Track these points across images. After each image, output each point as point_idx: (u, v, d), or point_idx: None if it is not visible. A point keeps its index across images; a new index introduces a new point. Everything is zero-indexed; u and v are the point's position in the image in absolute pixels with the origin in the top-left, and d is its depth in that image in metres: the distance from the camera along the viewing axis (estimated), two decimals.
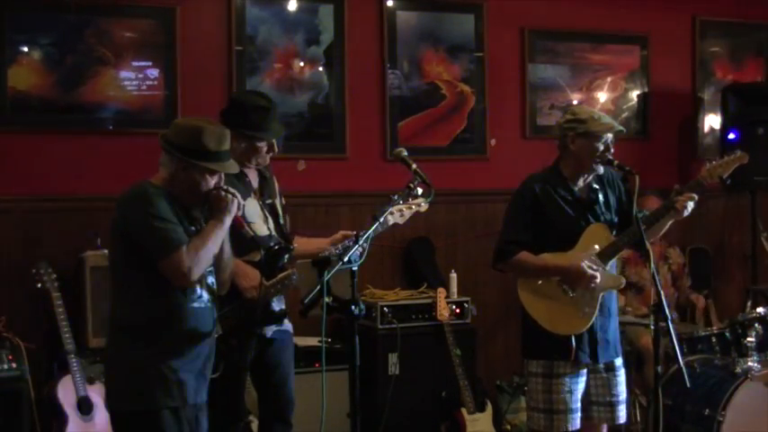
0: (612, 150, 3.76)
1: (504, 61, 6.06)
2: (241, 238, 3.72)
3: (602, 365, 3.80)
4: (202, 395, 3.19)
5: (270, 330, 3.85)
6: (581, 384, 3.76)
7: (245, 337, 3.74)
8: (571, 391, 3.73)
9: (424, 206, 3.73)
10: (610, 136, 3.75)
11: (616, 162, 3.71)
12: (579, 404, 3.76)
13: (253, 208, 3.87)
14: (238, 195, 3.20)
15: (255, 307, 3.69)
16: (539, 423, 3.78)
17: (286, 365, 3.98)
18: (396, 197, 3.51)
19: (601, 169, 3.78)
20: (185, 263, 3.01)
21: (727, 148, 6.14)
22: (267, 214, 3.94)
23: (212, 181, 3.14)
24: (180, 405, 3.08)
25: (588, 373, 3.78)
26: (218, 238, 3.14)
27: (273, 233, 3.91)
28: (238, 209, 3.20)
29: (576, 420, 3.75)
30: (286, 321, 3.92)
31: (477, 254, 5.63)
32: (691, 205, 3.73)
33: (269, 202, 3.97)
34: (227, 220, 3.16)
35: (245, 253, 3.73)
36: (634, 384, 5.16)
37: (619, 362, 3.86)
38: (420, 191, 3.56)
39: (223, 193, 3.15)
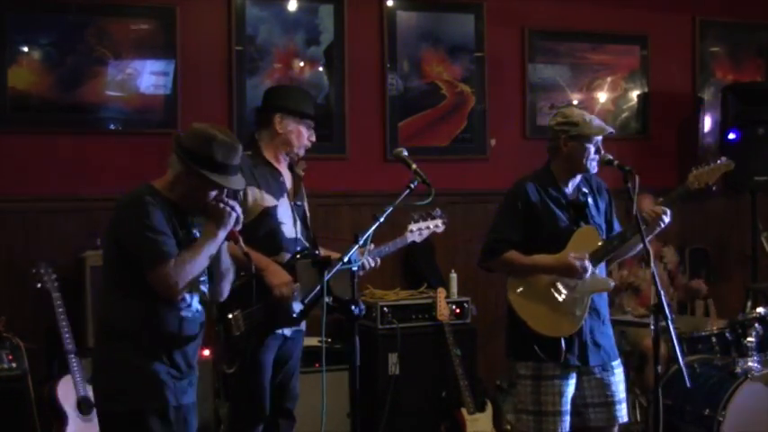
0: (603, 152, 3.77)
1: (504, 61, 6.07)
2: (272, 238, 3.79)
3: (594, 367, 3.79)
4: (189, 397, 3.18)
5: (290, 330, 3.91)
6: (570, 387, 3.74)
7: (265, 335, 3.78)
8: (560, 394, 3.71)
9: (441, 228, 4.02)
10: (599, 138, 3.76)
11: (616, 162, 3.71)
12: (569, 407, 3.74)
13: (284, 209, 3.92)
14: (238, 209, 3.12)
15: (282, 305, 3.73)
16: (527, 425, 3.77)
17: (295, 361, 4.05)
18: (416, 217, 3.79)
19: (595, 168, 3.79)
20: (171, 276, 2.98)
21: (727, 148, 6.16)
22: (297, 216, 3.96)
23: (213, 193, 3.08)
24: (165, 406, 3.07)
25: (580, 375, 3.76)
26: (209, 252, 3.08)
27: (300, 237, 3.94)
28: (236, 224, 3.13)
29: (565, 423, 3.73)
30: None
31: (478, 254, 5.63)
32: (661, 218, 3.73)
33: (299, 203, 4.00)
34: (222, 234, 3.09)
35: (273, 253, 3.79)
36: (634, 384, 5.16)
37: (615, 362, 3.84)
38: (439, 212, 3.95)
39: (222, 206, 3.08)
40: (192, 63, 5.31)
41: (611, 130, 3.82)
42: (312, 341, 4.83)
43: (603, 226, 3.87)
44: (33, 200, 5.00)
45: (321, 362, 4.73)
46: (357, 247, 3.35)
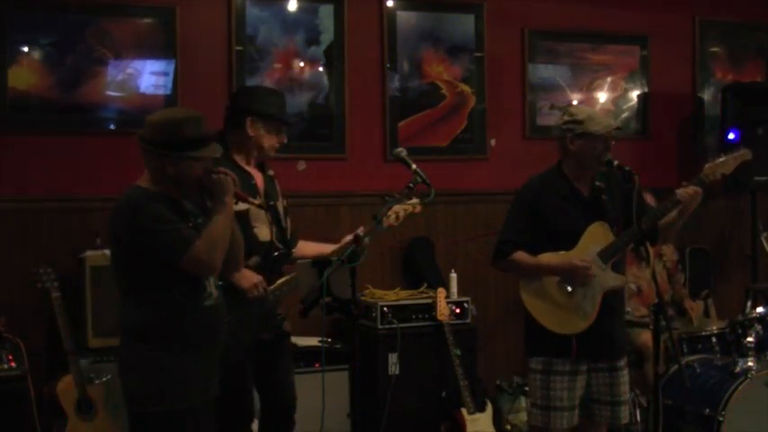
0: (611, 147, 3.77)
1: (504, 61, 6.07)
2: (244, 242, 3.74)
3: (604, 365, 3.80)
4: (214, 393, 3.20)
5: (270, 334, 3.87)
6: (580, 383, 3.76)
7: (246, 342, 3.75)
8: (569, 389, 3.74)
9: (419, 207, 3.83)
10: (608, 133, 3.76)
11: (616, 162, 3.71)
12: (577, 402, 3.77)
13: (257, 212, 3.87)
14: (230, 172, 3.18)
15: (259, 309, 3.71)
16: (537, 419, 3.81)
17: (287, 362, 4.01)
18: (389, 198, 3.59)
19: (603, 167, 3.79)
20: (203, 254, 3.01)
21: (727, 148, 6.15)
22: (271, 218, 3.94)
23: (200, 167, 3.12)
24: (196, 405, 3.09)
25: (589, 371, 3.78)
26: (228, 220, 3.12)
27: (274, 239, 3.91)
28: (235, 185, 3.18)
29: (573, 418, 3.76)
30: None
31: (477, 254, 5.64)
32: (695, 197, 3.73)
33: (271, 203, 3.97)
34: (229, 200, 3.14)
35: (245, 257, 3.73)
36: (634, 384, 5.16)
37: (622, 363, 3.85)
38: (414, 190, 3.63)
39: (215, 176, 3.14)
40: (192, 63, 5.31)
41: (616, 125, 3.82)
42: (312, 341, 4.84)
43: (621, 221, 3.82)
44: (33, 200, 5.00)
45: (321, 362, 4.76)
46: (354, 247, 3.35)
